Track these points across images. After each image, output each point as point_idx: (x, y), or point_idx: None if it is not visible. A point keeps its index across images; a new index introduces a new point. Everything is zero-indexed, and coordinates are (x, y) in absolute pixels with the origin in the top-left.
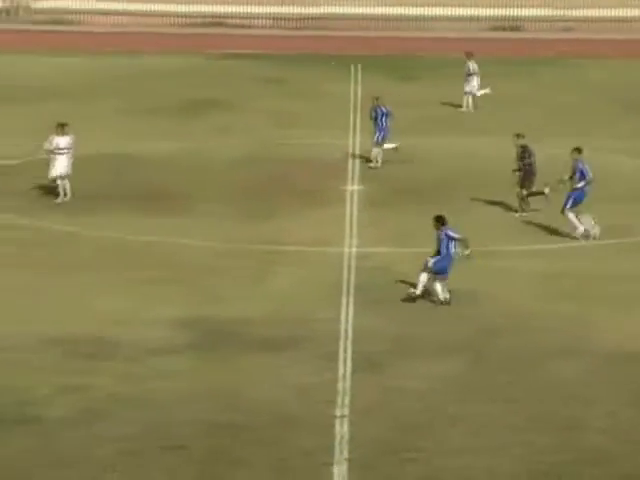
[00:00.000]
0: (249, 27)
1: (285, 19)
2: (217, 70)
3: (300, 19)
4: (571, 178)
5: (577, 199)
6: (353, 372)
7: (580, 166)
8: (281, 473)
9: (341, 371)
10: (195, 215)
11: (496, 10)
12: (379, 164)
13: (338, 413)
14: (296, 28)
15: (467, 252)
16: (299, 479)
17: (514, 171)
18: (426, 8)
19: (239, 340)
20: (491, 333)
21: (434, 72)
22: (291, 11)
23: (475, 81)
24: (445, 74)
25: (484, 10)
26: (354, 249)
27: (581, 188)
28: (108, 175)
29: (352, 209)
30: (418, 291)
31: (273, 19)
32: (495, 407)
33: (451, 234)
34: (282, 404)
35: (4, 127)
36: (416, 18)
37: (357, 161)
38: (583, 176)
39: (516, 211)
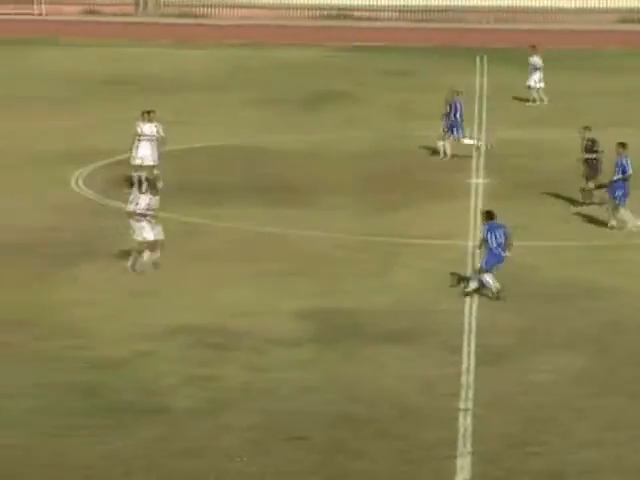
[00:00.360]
0: (375, 19)
1: (411, 11)
2: (343, 62)
3: (426, 11)
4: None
5: (621, 193)
6: (477, 365)
7: (622, 161)
8: (403, 466)
9: (465, 364)
10: (320, 207)
11: (625, 2)
12: (447, 157)
13: (461, 406)
14: (422, 20)
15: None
16: (421, 472)
17: (578, 160)
18: (555, 0)
19: (362, 332)
20: (617, 327)
21: (560, 64)
22: (417, 3)
23: (537, 75)
24: (571, 66)
25: (613, 2)
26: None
27: (616, 181)
28: (234, 167)
29: (477, 202)
30: (494, 289)
31: (399, 11)
32: (621, 401)
33: (484, 230)
34: (405, 396)
35: (133, 119)
36: (544, 10)
37: (482, 154)
38: (623, 171)
39: (582, 204)
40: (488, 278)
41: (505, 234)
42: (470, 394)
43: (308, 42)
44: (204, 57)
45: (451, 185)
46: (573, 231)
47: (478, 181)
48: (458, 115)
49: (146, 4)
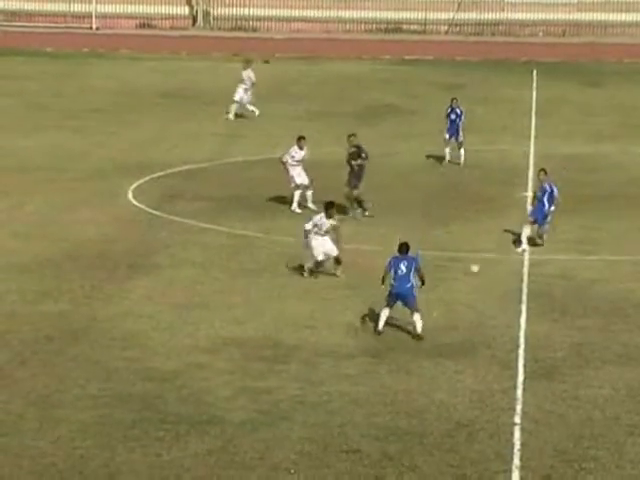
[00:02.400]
0: (426, 33)
1: (462, 25)
2: (395, 75)
3: (477, 24)
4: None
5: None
6: (529, 379)
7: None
8: None
9: (517, 378)
10: (373, 221)
11: None
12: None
13: (513, 421)
14: (474, 34)
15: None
16: None
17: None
18: (608, 14)
19: (413, 345)
20: None
21: (611, 78)
22: (468, 17)
23: (242, 90)
24: (624, 79)
25: None
26: (532, 256)
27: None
28: (281, 180)
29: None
30: (378, 329)
31: (450, 25)
32: None
33: (387, 263)
34: (456, 410)
35: (188, 131)
36: (598, 24)
37: (537, 167)
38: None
39: (347, 212)
40: (382, 312)
41: (413, 267)
42: (522, 408)
43: (359, 55)
44: (257, 70)
45: (504, 198)
46: (633, 244)
47: (532, 194)
48: (459, 121)
49: (196, 18)
